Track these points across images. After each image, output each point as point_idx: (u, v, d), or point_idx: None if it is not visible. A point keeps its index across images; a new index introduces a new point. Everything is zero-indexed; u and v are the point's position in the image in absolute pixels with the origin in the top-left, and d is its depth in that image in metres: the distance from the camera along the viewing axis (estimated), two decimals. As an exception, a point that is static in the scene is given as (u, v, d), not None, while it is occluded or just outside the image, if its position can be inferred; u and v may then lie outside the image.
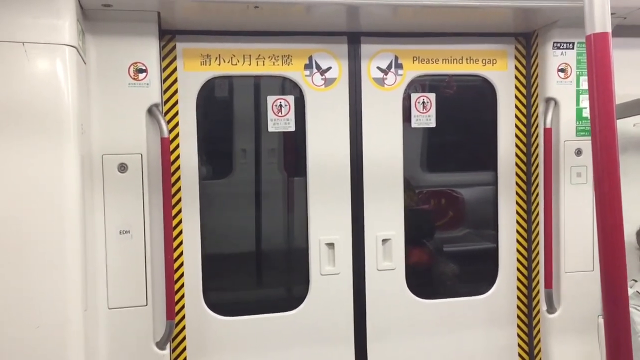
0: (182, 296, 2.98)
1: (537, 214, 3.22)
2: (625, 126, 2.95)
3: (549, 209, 3.07)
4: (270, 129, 3.08)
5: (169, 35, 2.91)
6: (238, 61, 2.99)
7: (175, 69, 2.91)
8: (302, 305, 3.13)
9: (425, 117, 3.22)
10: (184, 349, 2.99)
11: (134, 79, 2.69)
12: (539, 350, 3.28)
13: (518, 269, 3.34)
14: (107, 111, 2.66)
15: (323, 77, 3.07)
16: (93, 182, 2.64)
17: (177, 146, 2.94)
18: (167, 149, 2.74)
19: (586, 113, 3.10)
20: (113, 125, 2.67)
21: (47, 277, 2.26)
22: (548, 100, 3.09)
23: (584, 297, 3.15)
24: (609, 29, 1.27)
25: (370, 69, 3.12)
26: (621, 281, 1.34)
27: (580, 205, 3.11)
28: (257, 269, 3.43)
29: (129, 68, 2.68)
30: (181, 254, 2.97)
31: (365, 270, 3.17)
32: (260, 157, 3.25)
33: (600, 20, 1.28)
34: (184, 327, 2.99)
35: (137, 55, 2.68)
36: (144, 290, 2.72)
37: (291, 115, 3.08)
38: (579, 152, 3.10)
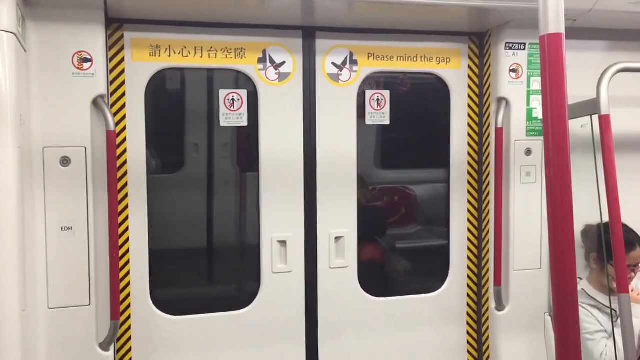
0: (128, 295, 2.88)
1: (488, 212, 3.25)
2: (574, 127, 3.01)
3: (499, 208, 3.11)
4: (222, 123, 3.00)
5: (116, 24, 2.79)
6: (189, 53, 2.90)
7: (122, 59, 2.80)
8: (252, 304, 3.07)
9: (380, 114, 3.21)
10: (130, 349, 2.90)
11: (78, 68, 2.57)
12: (488, 347, 3.32)
13: (468, 267, 3.38)
14: (49, 102, 2.54)
15: (277, 71, 3.02)
16: (33, 176, 2.51)
17: (124, 140, 2.83)
18: (113, 143, 2.64)
19: (536, 113, 3.15)
20: (55, 116, 2.55)
21: None
22: (500, 100, 3.12)
23: (531, 294, 3.21)
24: (562, 30, 1.27)
25: (325, 64, 3.09)
26: (571, 279, 1.35)
27: (529, 204, 3.16)
28: (207, 267, 3.36)
29: (73, 57, 2.56)
30: (127, 251, 2.87)
31: (318, 268, 3.14)
32: (213, 151, 3.18)
33: (554, 21, 1.27)
34: (129, 327, 2.89)
35: (81, 44, 2.56)
36: (87, 289, 2.62)
37: (244, 110, 3.01)
38: (528, 152, 3.15)
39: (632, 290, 2.96)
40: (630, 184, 3.18)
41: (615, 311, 2.89)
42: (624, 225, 2.65)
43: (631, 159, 3.34)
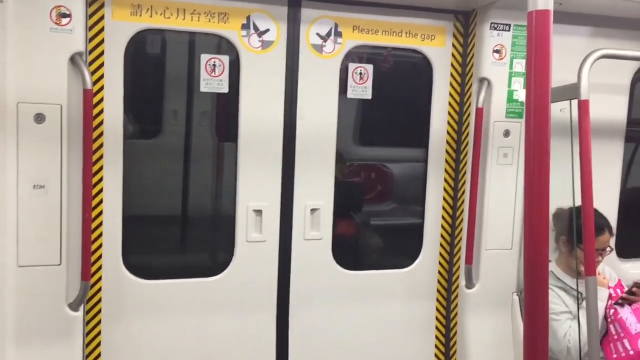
0: (100, 257, 2.85)
1: (463, 192, 3.28)
2: (553, 111, 3.04)
3: (474, 188, 3.14)
4: (203, 88, 2.96)
5: None
6: (171, 14, 2.84)
7: (102, 17, 2.73)
8: (225, 271, 3.07)
9: (362, 88, 3.19)
10: (99, 311, 2.88)
11: (56, 23, 2.50)
12: (456, 323, 3.38)
13: (441, 245, 3.42)
14: (24, 56, 2.47)
15: (260, 39, 2.98)
16: (6, 132, 2.46)
17: (101, 100, 2.77)
18: (90, 102, 2.58)
19: (517, 95, 3.17)
20: (31, 72, 2.48)
21: None
22: (482, 80, 3.13)
23: (501, 274, 3.27)
24: (550, 7, 1.27)
25: (309, 34, 3.05)
26: (543, 260, 1.37)
27: (504, 186, 3.20)
28: (181, 233, 3.35)
29: (51, 11, 2.48)
30: (100, 213, 2.83)
31: (292, 238, 3.14)
32: (192, 119, 3.15)
33: (542, -3, 1.28)
34: (100, 289, 2.87)
35: None
36: (58, 249, 2.59)
37: (225, 76, 2.97)
38: (507, 133, 3.17)
39: (598, 274, 3.02)
40: (604, 170, 3.25)
41: (581, 293, 2.96)
42: (595, 210, 2.70)
43: (606, 146, 3.40)
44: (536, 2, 1.28)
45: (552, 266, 3.25)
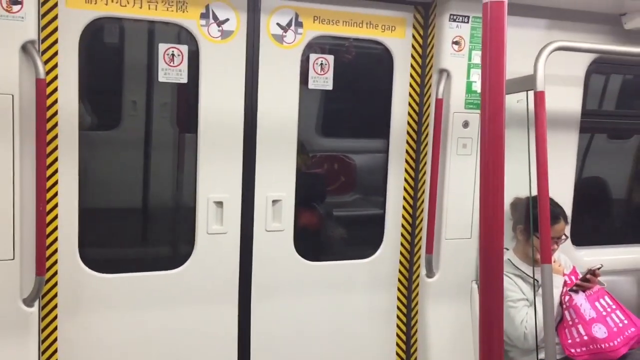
0: (55, 251, 2.78)
1: (424, 183, 3.32)
2: (510, 103, 3.10)
3: (434, 178, 3.17)
4: (161, 79, 2.90)
5: None
6: (128, 2, 2.77)
7: (55, 4, 2.64)
8: (186, 264, 3.03)
9: (323, 79, 3.18)
10: (55, 306, 2.81)
11: (6, 10, 2.41)
12: (416, 312, 3.42)
13: (402, 235, 3.45)
14: None
15: (220, 28, 2.94)
16: None
17: (55, 90, 2.69)
18: (43, 92, 2.51)
19: (475, 87, 3.21)
20: None
21: None
22: (441, 71, 3.16)
23: (460, 263, 3.32)
24: (504, -2, 1.29)
25: (269, 24, 3.02)
26: (498, 248, 1.39)
27: (463, 176, 3.24)
28: (140, 226, 3.29)
29: (1, -2, 2.40)
30: (55, 206, 2.75)
31: (254, 230, 3.12)
32: (152, 109, 3.08)
33: (497, -12, 1.29)
34: (55, 284, 2.80)
35: None
36: (11, 243, 2.51)
37: (184, 66, 2.92)
38: (466, 124, 3.21)
39: (554, 262, 3.10)
40: (559, 160, 3.33)
41: (538, 281, 3.03)
42: (551, 199, 2.77)
43: (561, 136, 3.47)
44: (491, -7, 1.29)
45: (510, 254, 3.31)
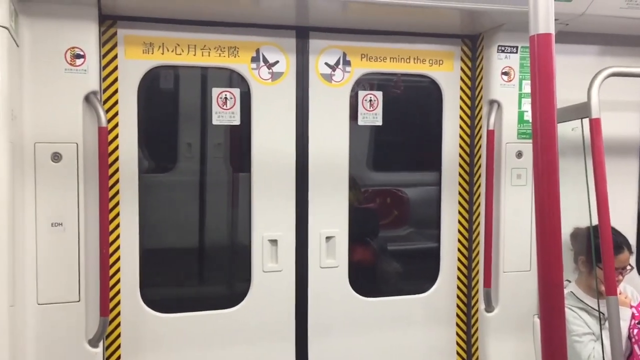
0: (118, 292, 2.87)
1: (478, 215, 3.27)
2: (565, 130, 3.04)
3: (489, 210, 3.12)
4: (215, 121, 3.01)
5: (109, 21, 2.79)
6: (182, 51, 2.90)
7: (115, 56, 2.80)
8: (243, 302, 3.07)
9: (372, 115, 3.22)
10: (119, 346, 2.89)
11: (70, 64, 2.56)
12: (477, 349, 3.33)
13: (458, 268, 3.39)
14: (41, 97, 2.53)
15: (270, 70, 3.03)
16: (24, 171, 2.50)
17: (116, 137, 2.82)
18: (105, 139, 2.63)
19: (527, 116, 3.17)
20: (47, 112, 2.54)
21: None
22: (491, 102, 3.14)
23: (520, 296, 3.23)
24: (552, 31, 1.28)
25: (318, 64, 3.09)
26: (558, 281, 1.35)
27: (519, 207, 3.18)
28: (198, 265, 3.36)
29: (66, 53, 2.55)
30: (118, 248, 2.86)
31: (308, 267, 3.14)
32: (206, 151, 3.18)
33: (544, 21, 1.29)
34: (118, 324, 2.88)
35: (74, 40, 2.56)
36: (77, 286, 2.61)
37: (236, 109, 3.02)
38: (519, 155, 3.16)
39: (619, 293, 2.98)
40: (620, 188, 3.22)
41: (603, 314, 2.91)
42: (613, 229, 2.67)
43: (620, 163, 3.37)
44: (537, 26, 1.29)
45: (573, 287, 3.21)
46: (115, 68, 2.80)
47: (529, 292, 3.22)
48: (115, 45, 2.80)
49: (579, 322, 3.08)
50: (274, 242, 3.07)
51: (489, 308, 3.21)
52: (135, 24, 2.82)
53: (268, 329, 3.10)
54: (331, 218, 3.16)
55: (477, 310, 3.32)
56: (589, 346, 3.02)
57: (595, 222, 2.69)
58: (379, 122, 3.23)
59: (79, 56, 2.57)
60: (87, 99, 2.59)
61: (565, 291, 3.17)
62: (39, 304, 2.57)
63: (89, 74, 2.59)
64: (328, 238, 3.15)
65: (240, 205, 3.17)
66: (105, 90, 2.79)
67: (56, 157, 2.56)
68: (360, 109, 3.20)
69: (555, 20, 1.29)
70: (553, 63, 1.27)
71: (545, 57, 1.27)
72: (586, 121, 2.69)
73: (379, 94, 3.22)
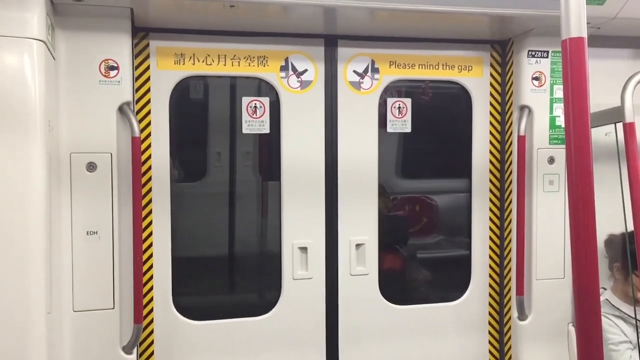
0: (151, 299, 2.92)
1: (510, 221, 3.23)
2: (598, 135, 2.99)
3: (521, 217, 3.08)
4: (245, 130, 3.04)
5: (142, 33, 2.85)
6: (213, 61, 2.95)
7: (148, 67, 2.86)
8: (273, 310, 3.09)
9: (401, 122, 3.21)
10: (152, 353, 2.93)
11: (104, 76, 2.62)
12: (510, 357, 3.29)
13: (490, 276, 3.35)
14: (76, 108, 2.59)
15: (299, 79, 3.05)
16: (60, 181, 2.57)
17: (149, 146, 2.88)
18: (138, 149, 2.68)
19: (559, 121, 3.12)
20: (82, 123, 2.60)
21: (9, 278, 2.18)
22: (522, 108, 3.11)
23: (554, 304, 3.17)
24: (584, 34, 1.26)
25: (346, 72, 3.11)
26: (594, 289, 1.33)
27: (552, 213, 3.13)
28: (228, 273, 3.39)
29: (100, 65, 2.61)
30: (151, 256, 2.91)
31: (339, 274, 3.14)
32: (235, 159, 3.21)
33: (576, 25, 1.27)
34: (152, 331, 2.92)
35: (108, 52, 2.62)
36: (111, 293, 2.66)
37: (266, 117, 3.05)
38: (551, 160, 3.12)
39: (657, 301, 2.91)
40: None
41: (640, 322, 2.85)
42: (649, 234, 2.61)
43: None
44: (569, 29, 1.27)
45: (608, 294, 3.14)
46: (148, 79, 2.86)
47: (562, 300, 3.17)
48: (147, 57, 2.86)
49: (616, 330, 3.02)
50: (304, 249, 3.08)
51: (522, 316, 3.16)
52: (166, 36, 2.88)
53: (299, 336, 3.11)
54: (361, 225, 3.16)
55: (509, 319, 3.27)
56: (625, 354, 2.96)
57: (630, 228, 2.63)
58: (408, 129, 3.23)
59: (112, 68, 2.63)
60: (120, 109, 2.65)
61: (601, 299, 3.11)
62: (74, 312, 2.63)
63: (123, 85, 2.64)
64: (358, 245, 3.15)
65: (270, 213, 3.19)
66: (137, 100, 2.85)
67: (91, 166, 2.62)
68: (389, 116, 3.20)
69: (587, 23, 1.27)
70: (586, 67, 1.25)
71: (578, 61, 1.25)
72: (620, 126, 2.64)
73: (408, 101, 3.21)
